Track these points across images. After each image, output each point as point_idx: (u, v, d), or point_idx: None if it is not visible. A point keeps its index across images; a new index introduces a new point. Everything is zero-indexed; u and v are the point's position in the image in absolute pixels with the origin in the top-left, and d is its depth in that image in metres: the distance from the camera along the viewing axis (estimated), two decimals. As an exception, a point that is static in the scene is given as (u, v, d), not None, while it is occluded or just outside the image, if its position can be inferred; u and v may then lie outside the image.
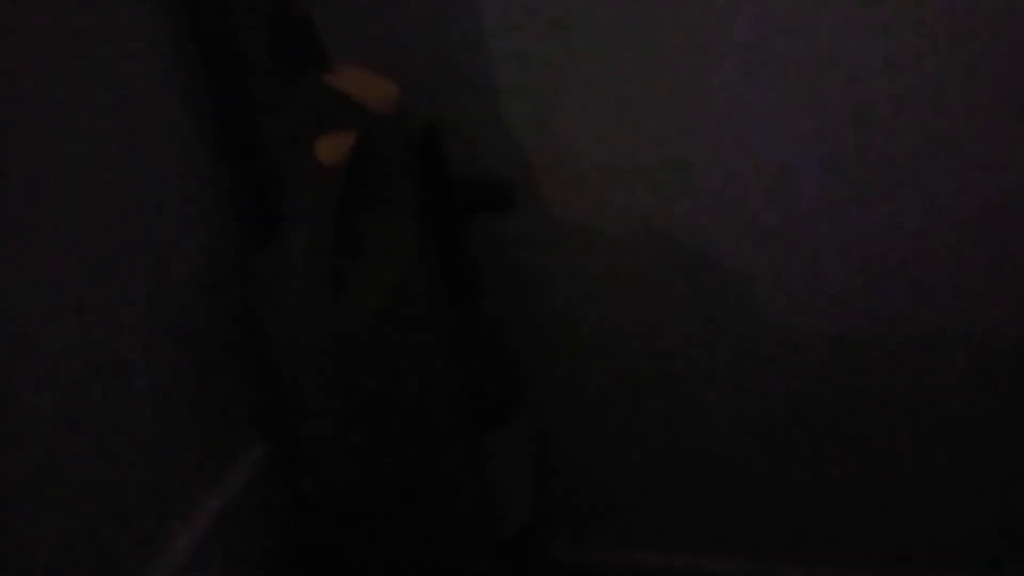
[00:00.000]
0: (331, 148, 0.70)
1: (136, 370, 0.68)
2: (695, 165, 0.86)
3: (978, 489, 0.96)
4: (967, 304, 0.87)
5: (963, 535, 0.99)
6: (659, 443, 1.03)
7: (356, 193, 0.72)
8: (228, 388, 0.79)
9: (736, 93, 0.81)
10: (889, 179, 0.82)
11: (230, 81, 0.72)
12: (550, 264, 0.95)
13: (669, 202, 0.88)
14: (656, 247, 0.91)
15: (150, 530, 0.69)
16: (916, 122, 0.79)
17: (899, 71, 0.78)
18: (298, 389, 0.75)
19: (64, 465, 0.61)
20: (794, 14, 0.77)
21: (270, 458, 0.81)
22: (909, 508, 1.00)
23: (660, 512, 1.08)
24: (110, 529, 0.65)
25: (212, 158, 0.76)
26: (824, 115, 0.81)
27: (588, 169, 0.88)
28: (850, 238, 0.86)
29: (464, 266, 0.88)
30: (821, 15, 0.77)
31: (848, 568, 1.05)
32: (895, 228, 0.85)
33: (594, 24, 0.81)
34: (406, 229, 0.76)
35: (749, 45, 0.79)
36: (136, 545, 0.68)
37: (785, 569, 1.07)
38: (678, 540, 1.09)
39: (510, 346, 0.98)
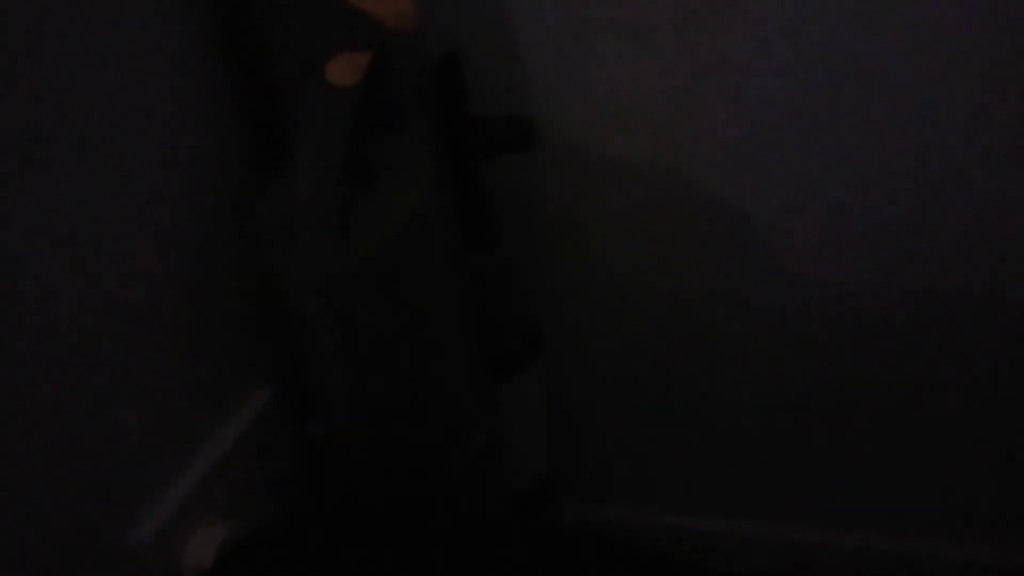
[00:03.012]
0: (345, 69, 0.65)
1: (140, 306, 0.65)
2: (724, 105, 0.81)
3: (998, 452, 0.93)
4: (996, 256, 0.83)
5: (986, 499, 0.97)
6: (677, 401, 1.00)
7: (370, 119, 0.68)
8: (236, 327, 0.75)
9: (771, 35, 0.77)
10: (912, 122, 0.78)
11: (236, -5, 0.67)
12: (570, 209, 0.91)
13: (696, 146, 0.84)
14: (682, 194, 0.87)
15: (155, 468, 0.67)
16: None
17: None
18: (307, 329, 0.72)
19: (65, 402, 0.58)
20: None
21: (278, 401, 0.77)
22: (928, 472, 0.97)
23: (677, 473, 1.05)
24: (114, 468, 0.63)
25: (218, 82, 0.72)
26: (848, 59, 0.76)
27: (612, 110, 0.84)
28: (876, 185, 0.82)
29: (480, 207, 0.84)
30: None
31: (863, 531, 1.03)
32: (923, 176, 0.81)
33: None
34: (421, 161, 0.72)
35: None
36: (141, 483, 0.65)
37: (802, 533, 1.05)
38: (694, 502, 1.07)
39: (527, 294, 0.94)
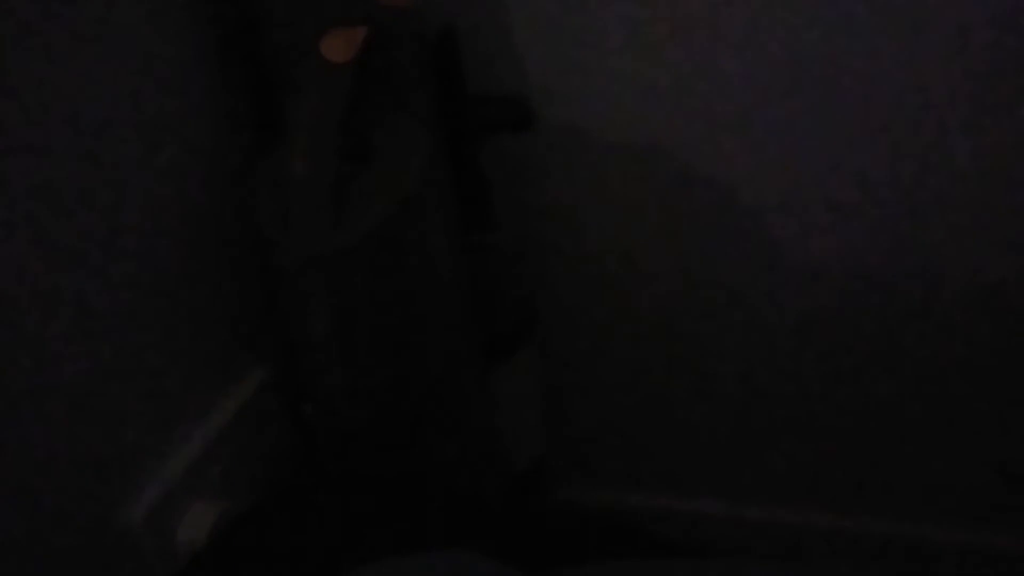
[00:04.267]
0: (340, 44, 0.65)
1: (132, 284, 0.64)
2: (722, 88, 0.81)
3: (996, 439, 0.93)
4: (995, 249, 0.83)
5: (985, 486, 0.97)
6: (672, 384, 1.00)
7: (366, 95, 0.67)
8: (229, 306, 0.75)
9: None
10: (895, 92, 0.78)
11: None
12: (566, 191, 0.90)
13: (695, 131, 0.84)
14: (680, 179, 0.87)
15: (149, 447, 0.66)
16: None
17: None
18: (301, 308, 0.71)
19: (57, 381, 0.58)
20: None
21: (272, 380, 0.77)
22: (924, 458, 0.97)
23: (672, 455, 1.05)
24: (107, 446, 0.63)
25: (212, 55, 0.71)
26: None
27: (610, 93, 0.83)
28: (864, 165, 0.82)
29: (478, 187, 0.84)
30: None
31: (858, 515, 1.03)
32: (919, 170, 0.80)
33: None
34: (418, 139, 0.71)
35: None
36: (134, 462, 0.65)
37: (797, 516, 1.05)
38: (689, 484, 1.07)
39: (522, 276, 0.93)
